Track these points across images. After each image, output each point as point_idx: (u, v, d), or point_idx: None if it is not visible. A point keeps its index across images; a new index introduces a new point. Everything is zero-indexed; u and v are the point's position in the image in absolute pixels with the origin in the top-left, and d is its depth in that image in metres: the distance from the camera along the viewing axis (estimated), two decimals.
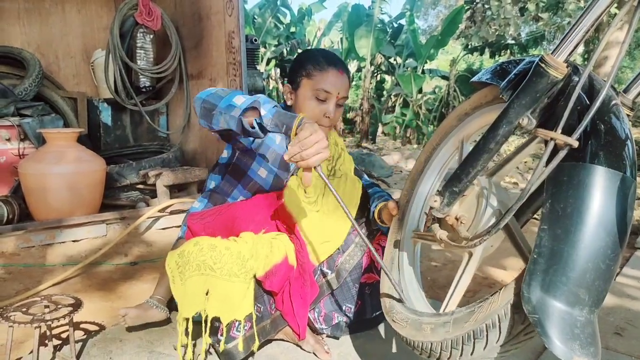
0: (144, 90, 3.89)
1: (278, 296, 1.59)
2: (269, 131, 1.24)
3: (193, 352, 1.48)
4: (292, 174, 1.70)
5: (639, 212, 3.78)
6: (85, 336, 1.72)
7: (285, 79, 1.70)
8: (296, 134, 1.14)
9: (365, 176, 1.91)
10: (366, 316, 1.72)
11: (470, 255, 1.18)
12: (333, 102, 1.60)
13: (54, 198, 2.83)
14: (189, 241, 1.52)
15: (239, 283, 1.43)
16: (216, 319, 1.43)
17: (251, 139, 1.60)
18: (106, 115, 4.06)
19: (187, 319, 1.41)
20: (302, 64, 1.63)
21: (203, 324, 1.42)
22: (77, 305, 1.53)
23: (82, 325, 1.79)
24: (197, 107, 1.40)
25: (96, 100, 4.04)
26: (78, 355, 1.58)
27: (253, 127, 1.23)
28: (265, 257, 1.49)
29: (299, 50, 11.71)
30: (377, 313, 1.72)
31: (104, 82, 3.80)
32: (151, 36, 3.79)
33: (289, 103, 1.68)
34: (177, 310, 1.46)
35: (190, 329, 1.42)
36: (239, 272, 1.43)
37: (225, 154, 1.78)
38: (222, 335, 1.44)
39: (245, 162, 1.69)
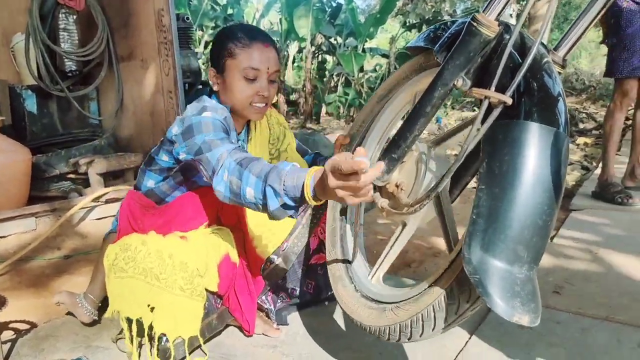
0: (70, 74, 3.66)
1: (224, 295, 1.53)
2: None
3: (139, 352, 1.40)
4: None
5: (572, 177, 3.95)
6: (14, 336, 1.61)
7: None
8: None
9: (308, 150, 1.87)
10: (322, 296, 1.71)
11: (404, 225, 1.19)
12: (264, 78, 1.46)
13: None
14: (134, 236, 1.43)
15: (185, 298, 1.36)
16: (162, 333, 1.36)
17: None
18: (31, 103, 3.80)
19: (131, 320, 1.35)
20: (222, 43, 1.47)
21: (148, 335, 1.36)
22: (0, 303, 1.42)
23: (10, 325, 1.68)
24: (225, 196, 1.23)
25: (19, 87, 3.77)
26: (6, 356, 1.47)
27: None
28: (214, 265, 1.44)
29: None
30: (332, 292, 1.70)
31: (26, 68, 3.55)
32: (74, 17, 3.56)
33: (215, 88, 1.52)
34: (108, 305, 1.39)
35: (134, 330, 1.35)
36: (185, 287, 1.36)
37: (165, 157, 1.53)
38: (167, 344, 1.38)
39: (191, 171, 1.53)
